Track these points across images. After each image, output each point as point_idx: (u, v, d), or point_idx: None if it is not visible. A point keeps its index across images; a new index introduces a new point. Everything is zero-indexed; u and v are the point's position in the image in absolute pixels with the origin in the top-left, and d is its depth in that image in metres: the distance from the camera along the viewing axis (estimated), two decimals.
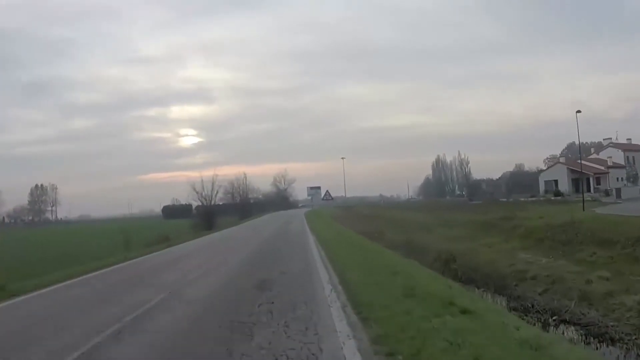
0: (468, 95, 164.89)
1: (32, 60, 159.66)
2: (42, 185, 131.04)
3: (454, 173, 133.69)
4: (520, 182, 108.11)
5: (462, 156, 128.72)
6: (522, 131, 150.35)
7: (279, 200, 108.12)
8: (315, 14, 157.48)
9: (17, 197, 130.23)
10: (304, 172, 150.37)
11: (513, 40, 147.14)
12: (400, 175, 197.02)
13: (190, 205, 78.64)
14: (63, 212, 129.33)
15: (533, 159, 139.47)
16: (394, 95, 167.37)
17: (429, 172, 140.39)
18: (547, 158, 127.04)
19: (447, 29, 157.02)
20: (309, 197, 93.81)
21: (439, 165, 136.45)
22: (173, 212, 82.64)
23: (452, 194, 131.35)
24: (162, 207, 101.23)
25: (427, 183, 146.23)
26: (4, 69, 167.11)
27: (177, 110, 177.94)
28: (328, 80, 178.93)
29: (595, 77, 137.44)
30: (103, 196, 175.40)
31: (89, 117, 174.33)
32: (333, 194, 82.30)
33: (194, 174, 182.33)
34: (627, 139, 68.76)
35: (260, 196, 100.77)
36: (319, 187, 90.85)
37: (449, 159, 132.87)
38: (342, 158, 78.38)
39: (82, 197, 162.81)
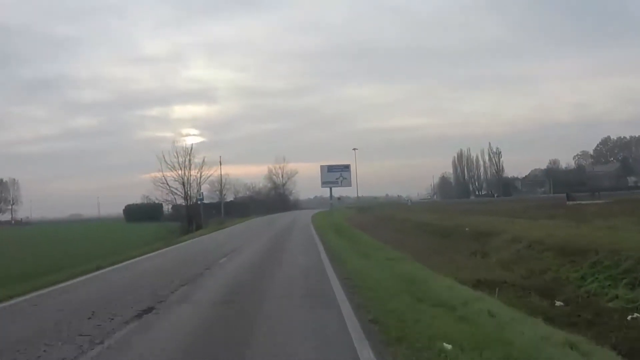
0: (473, 97, 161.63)
1: (36, 57, 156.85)
2: (2, 180, 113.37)
3: (481, 170, 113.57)
4: (560, 179, 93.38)
5: (494, 149, 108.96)
6: (531, 131, 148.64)
7: (276, 199, 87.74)
8: (320, 14, 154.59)
9: None
10: (307, 171, 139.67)
11: (518, 41, 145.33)
12: (405, 176, 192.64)
13: (160, 205, 59.63)
14: (24, 212, 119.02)
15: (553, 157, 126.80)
16: (397, 96, 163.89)
17: (436, 172, 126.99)
18: (578, 154, 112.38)
19: (452, 30, 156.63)
20: (326, 186, 50.86)
21: (462, 162, 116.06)
22: (137, 213, 63.30)
23: (476, 193, 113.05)
24: (124, 206, 77.53)
25: (444, 182, 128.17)
26: (5, 65, 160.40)
27: (179, 110, 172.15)
28: (332, 80, 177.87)
29: (601, 78, 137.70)
30: (97, 195, 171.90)
31: (91, 115, 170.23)
32: (339, 194, 58.33)
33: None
34: None
35: (253, 194, 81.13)
36: (347, 166, 51.89)
37: (474, 154, 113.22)
38: (354, 149, 59.78)
39: (76, 196, 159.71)
